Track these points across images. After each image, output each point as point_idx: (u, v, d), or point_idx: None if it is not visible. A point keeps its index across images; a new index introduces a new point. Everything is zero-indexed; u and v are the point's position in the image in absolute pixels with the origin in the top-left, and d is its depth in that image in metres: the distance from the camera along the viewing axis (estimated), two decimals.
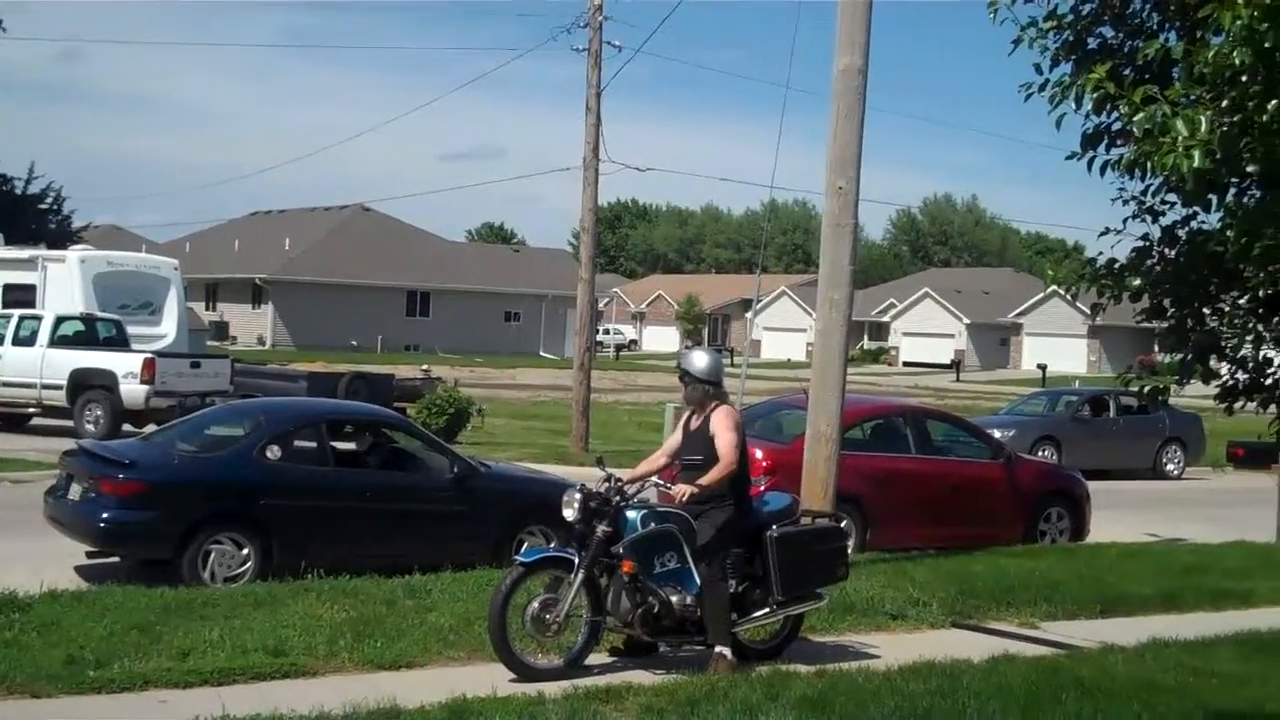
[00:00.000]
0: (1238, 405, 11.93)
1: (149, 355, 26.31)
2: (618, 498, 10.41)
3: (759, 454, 16.34)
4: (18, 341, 27.13)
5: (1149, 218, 11.59)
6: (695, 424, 10.94)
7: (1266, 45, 8.36)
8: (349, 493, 13.93)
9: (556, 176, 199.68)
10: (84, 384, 26.00)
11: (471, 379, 48.50)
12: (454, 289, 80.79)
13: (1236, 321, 11.74)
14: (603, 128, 29.41)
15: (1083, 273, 12.01)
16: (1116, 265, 11.74)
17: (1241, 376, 12.47)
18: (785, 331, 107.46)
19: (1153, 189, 11.21)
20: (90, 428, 25.23)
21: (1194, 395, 17.16)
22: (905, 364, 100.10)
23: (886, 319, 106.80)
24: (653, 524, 10.37)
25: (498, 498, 14.66)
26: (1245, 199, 10.64)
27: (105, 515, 12.88)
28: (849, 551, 15.91)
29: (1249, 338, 11.86)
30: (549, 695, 9.33)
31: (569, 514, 10.37)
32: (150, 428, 20.63)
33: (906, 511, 16.92)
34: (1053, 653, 11.72)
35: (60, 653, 9.72)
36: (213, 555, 12.98)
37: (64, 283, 31.57)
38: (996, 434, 22.46)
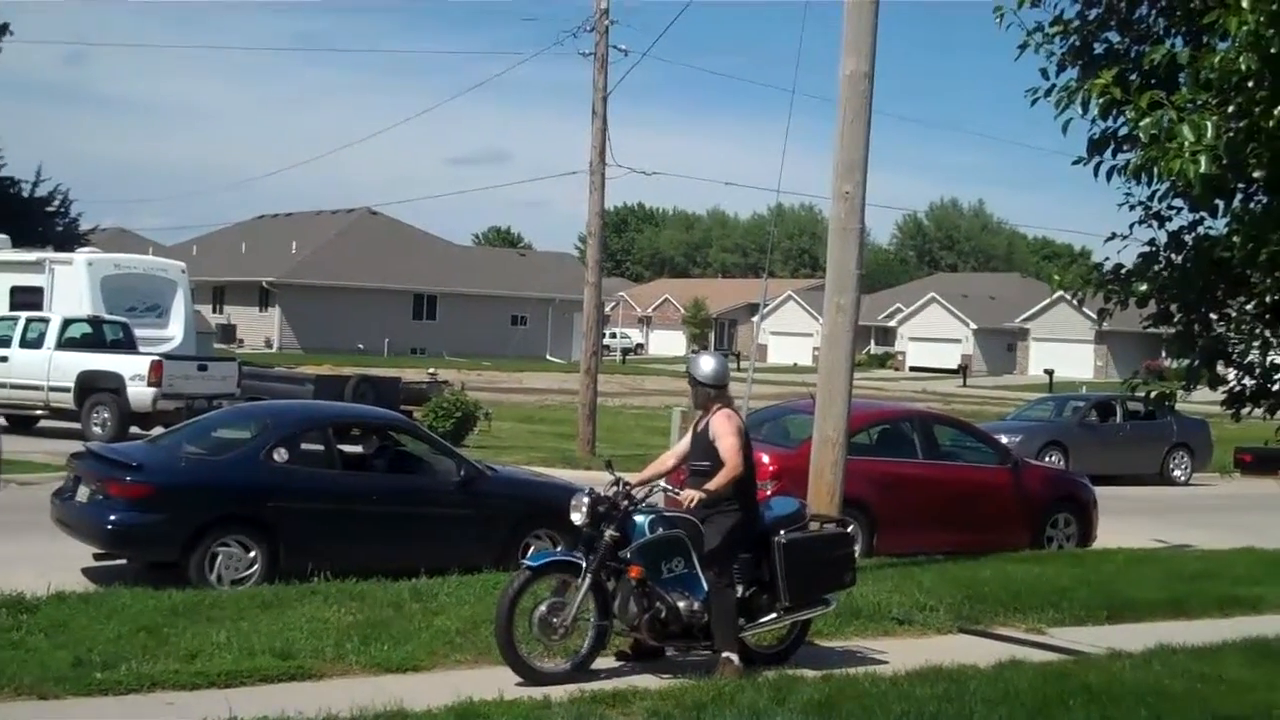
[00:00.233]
0: (1245, 411, 11.88)
1: (156, 358, 26.34)
2: (625, 502, 10.41)
3: (765, 459, 16.35)
4: (25, 344, 27.17)
5: (1155, 223, 11.52)
6: (699, 428, 10.96)
7: (1273, 50, 8.35)
8: (356, 496, 13.94)
9: (563, 180, 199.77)
10: (91, 386, 26.04)
11: (478, 383, 48.51)
12: (461, 293, 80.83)
13: (1244, 327, 11.68)
14: (609, 132, 29.47)
15: (1089, 278, 11.94)
16: (1123, 270, 11.69)
17: (1249, 382, 12.42)
18: (792, 336, 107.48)
19: (1159, 194, 11.18)
20: (98, 430, 25.26)
21: (1201, 401, 17.11)
22: (912, 369, 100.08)
23: (893, 324, 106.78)
24: (660, 529, 10.36)
25: (504, 501, 14.68)
26: (1252, 204, 10.61)
27: (113, 517, 12.90)
28: (856, 556, 16.03)
29: (1256, 343, 11.81)
30: (555, 699, 9.34)
31: (577, 518, 10.38)
32: (157, 430, 20.68)
33: (913, 517, 16.90)
34: (1060, 659, 11.71)
35: (67, 654, 9.74)
36: (220, 558, 12.98)
37: (71, 285, 31.64)
38: (1004, 439, 22.44)
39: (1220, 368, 11.90)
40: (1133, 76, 10.45)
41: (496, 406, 36.22)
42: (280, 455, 13.66)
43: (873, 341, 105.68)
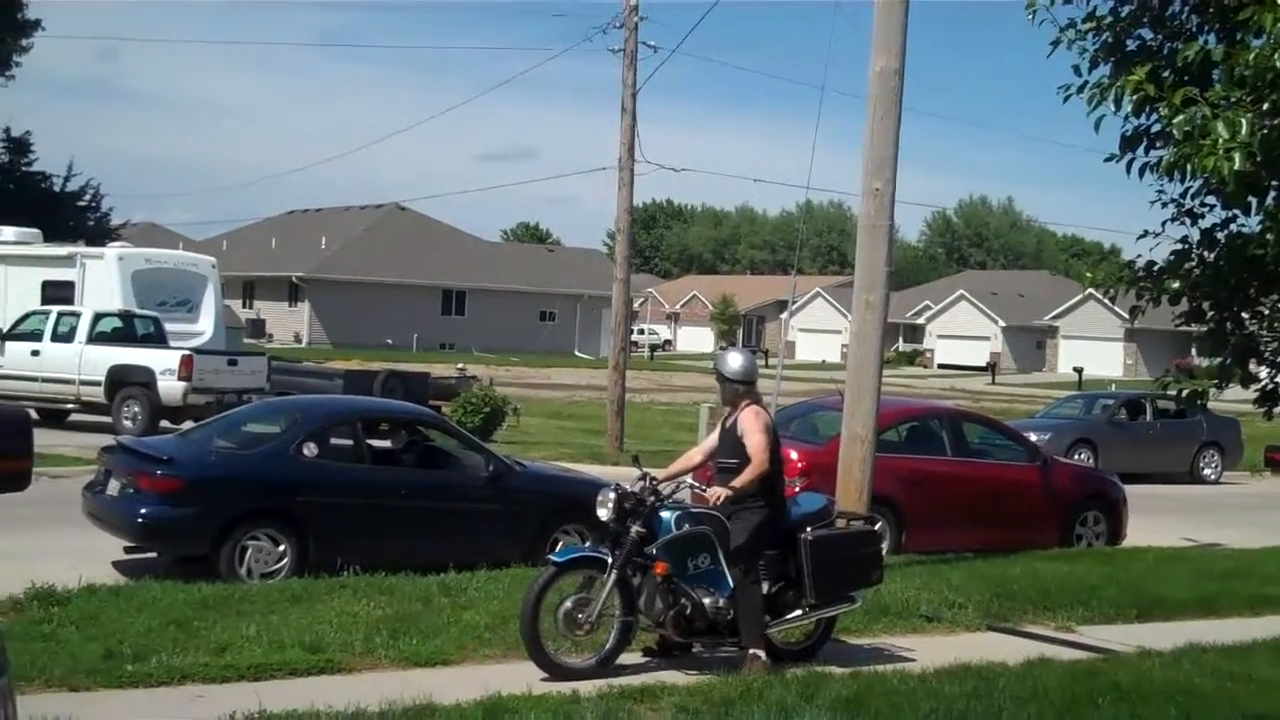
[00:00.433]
0: (1277, 410, 11.83)
1: (187, 352, 26.44)
2: (652, 498, 10.41)
3: (794, 455, 16.33)
4: (57, 338, 27.31)
5: (1188, 220, 11.48)
6: (728, 424, 10.96)
7: None
8: (385, 490, 13.97)
9: (592, 176, 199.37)
10: (122, 380, 26.15)
11: (507, 378, 48.57)
12: (489, 288, 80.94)
13: (1276, 325, 11.63)
14: (638, 128, 29.43)
15: (1121, 275, 11.91)
16: (1155, 268, 11.65)
17: None
18: (820, 333, 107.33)
19: (1192, 191, 11.14)
20: (128, 424, 25.38)
21: (1232, 400, 17.05)
22: (940, 366, 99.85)
23: (922, 321, 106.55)
24: (687, 525, 10.36)
25: (533, 497, 14.69)
26: None
27: (143, 511, 12.96)
28: (883, 554, 16.00)
29: None
30: (584, 694, 9.35)
31: (603, 513, 10.38)
32: (188, 424, 20.74)
33: (942, 514, 16.86)
34: (1089, 657, 11.68)
35: (98, 647, 9.79)
36: (249, 551, 13.03)
37: (102, 280, 31.75)
38: (1033, 437, 22.36)
39: (1252, 366, 11.85)
40: (1166, 73, 10.40)
41: (525, 402, 36.25)
42: (310, 450, 13.70)
43: (901, 339, 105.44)
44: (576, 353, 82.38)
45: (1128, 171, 10.84)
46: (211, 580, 12.37)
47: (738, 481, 10.44)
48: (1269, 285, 11.37)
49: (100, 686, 9.10)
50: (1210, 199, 11.15)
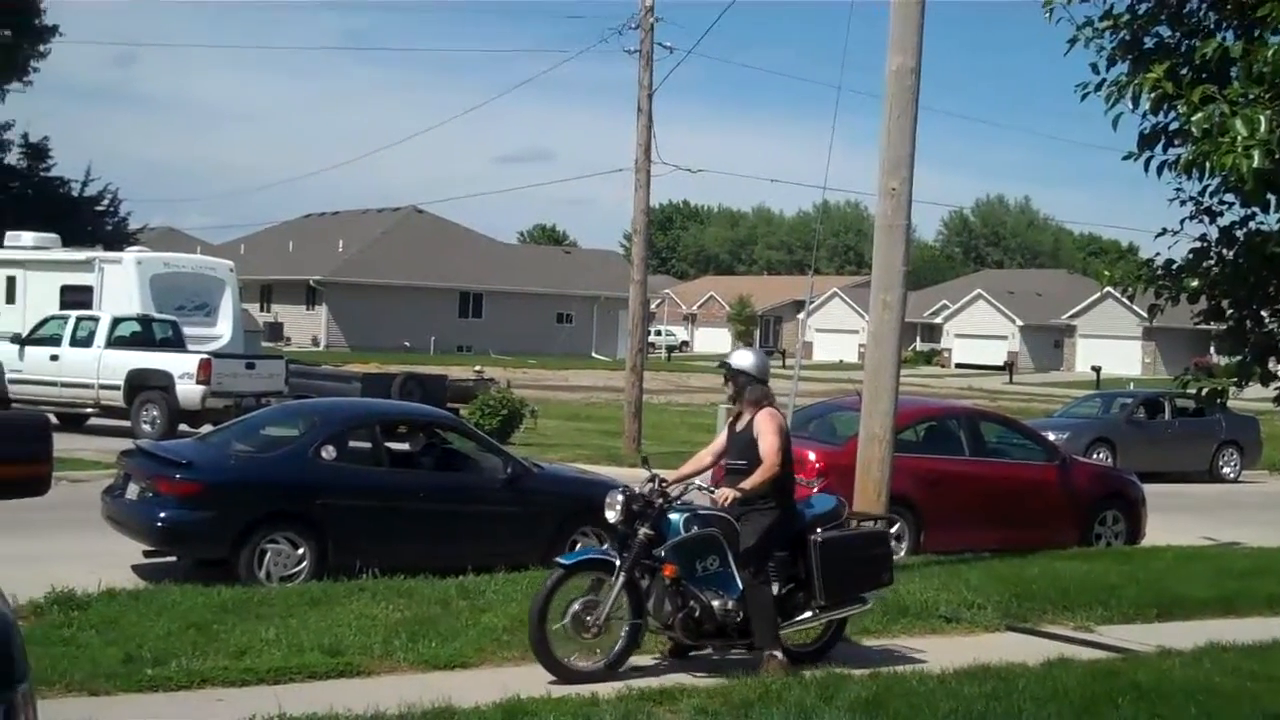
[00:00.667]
0: None
1: (205, 356, 26.47)
2: (660, 500, 10.36)
3: (812, 456, 16.34)
4: (75, 342, 27.36)
5: (1207, 218, 11.48)
6: (740, 426, 10.89)
7: None
8: (403, 493, 13.98)
9: (608, 178, 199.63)
10: (141, 384, 26.19)
11: (524, 380, 48.58)
12: (506, 290, 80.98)
13: None
14: (654, 129, 29.43)
15: (1140, 274, 11.91)
16: (1174, 266, 11.64)
17: None
18: (837, 333, 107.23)
19: (1210, 189, 11.13)
20: (147, 428, 25.43)
21: (1252, 398, 17.02)
22: (958, 366, 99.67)
23: (939, 320, 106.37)
24: (695, 527, 10.29)
25: (551, 499, 14.68)
26: None
27: (162, 515, 12.98)
28: (899, 555, 15.97)
29: None
30: (603, 696, 9.35)
31: (611, 515, 10.35)
32: (206, 428, 20.79)
33: (960, 514, 16.83)
34: (1109, 656, 11.64)
35: (118, 651, 9.81)
36: (268, 555, 13.05)
37: (121, 284, 31.84)
38: (1051, 436, 22.31)
39: (1272, 364, 11.84)
40: (1184, 71, 10.39)
41: (542, 404, 36.26)
42: (328, 453, 13.72)
43: (918, 338, 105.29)
44: (594, 354, 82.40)
45: (1146, 170, 10.84)
46: (230, 584, 12.40)
47: (748, 483, 10.40)
48: None
49: (120, 691, 9.11)
50: (1229, 197, 11.13)
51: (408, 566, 13.14)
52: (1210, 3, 11.14)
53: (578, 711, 8.95)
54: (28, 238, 35.36)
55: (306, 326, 77.43)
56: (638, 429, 29.24)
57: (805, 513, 10.94)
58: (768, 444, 10.52)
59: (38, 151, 56.28)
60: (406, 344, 72.65)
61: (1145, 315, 13.89)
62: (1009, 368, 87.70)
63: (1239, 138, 8.63)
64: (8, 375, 27.62)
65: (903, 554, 16.06)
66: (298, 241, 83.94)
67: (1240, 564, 16.81)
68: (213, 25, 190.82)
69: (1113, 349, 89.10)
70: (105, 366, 26.71)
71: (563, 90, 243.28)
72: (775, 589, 10.63)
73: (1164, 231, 11.77)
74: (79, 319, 28.13)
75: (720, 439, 11.19)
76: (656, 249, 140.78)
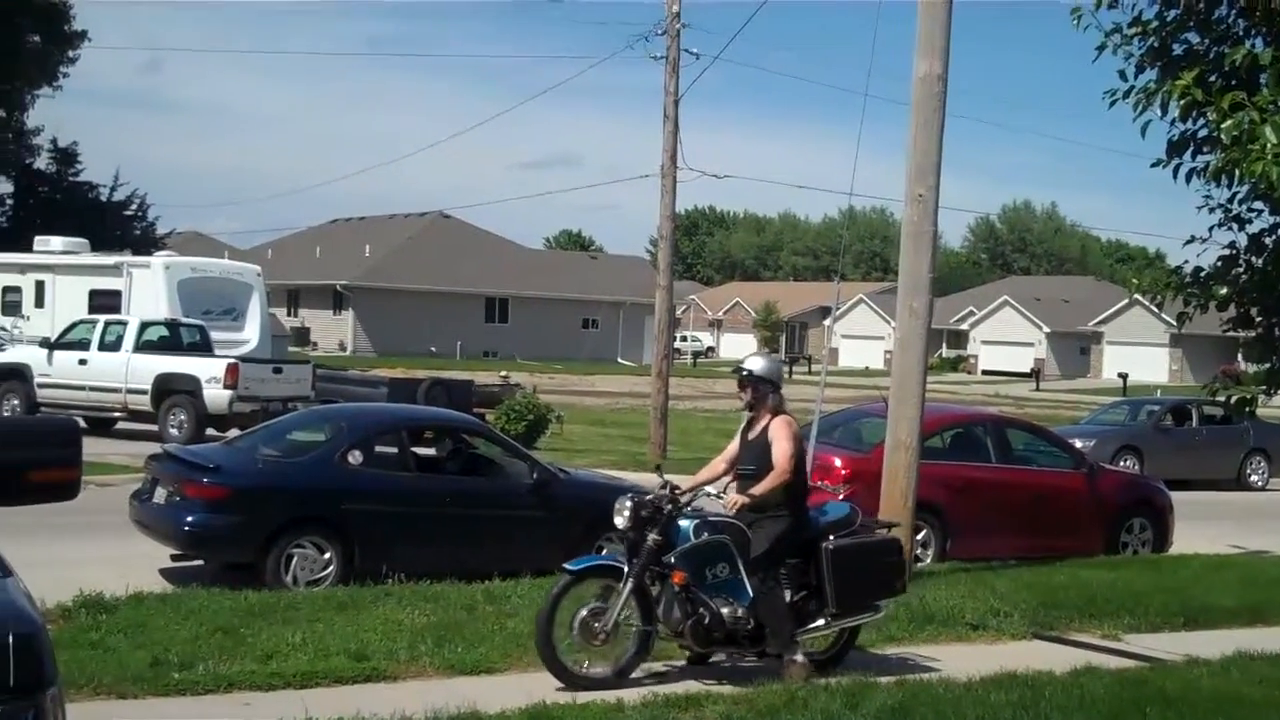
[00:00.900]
0: None
1: (232, 361, 26.59)
2: (670, 506, 10.29)
3: (838, 462, 16.34)
4: (104, 346, 27.48)
5: (1236, 226, 11.44)
6: (753, 434, 10.84)
7: None
8: (429, 498, 14.00)
9: (634, 184, 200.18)
10: (168, 389, 26.30)
11: (550, 385, 48.66)
12: (532, 296, 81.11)
13: None
14: (680, 135, 29.46)
15: (1169, 281, 11.87)
16: (1203, 274, 11.60)
17: None
18: (863, 339, 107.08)
19: (1240, 197, 11.10)
20: (174, 432, 25.52)
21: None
22: (984, 372, 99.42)
23: (965, 327, 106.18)
24: (705, 534, 10.24)
25: (576, 504, 14.67)
26: None
27: (190, 519, 13.02)
28: (925, 562, 15.94)
29: None
30: (628, 702, 9.35)
31: (619, 521, 10.27)
32: (233, 432, 20.86)
33: (987, 521, 16.79)
34: (1136, 665, 11.61)
35: (146, 654, 9.84)
36: (295, 559, 13.08)
37: (149, 288, 32.01)
38: (1078, 443, 22.25)
39: None
40: (1213, 78, 10.35)
41: (568, 409, 36.29)
42: (355, 458, 13.75)
43: (944, 345, 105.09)
44: (619, 360, 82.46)
45: (1175, 177, 10.80)
46: (257, 588, 12.43)
47: (757, 489, 10.37)
48: None
49: (148, 694, 9.15)
50: (1258, 204, 11.10)
51: (434, 571, 13.16)
52: (1239, 9, 11.10)
53: (602, 717, 8.97)
54: (57, 242, 35.60)
55: (333, 331, 77.64)
56: (663, 435, 29.26)
57: (818, 520, 10.87)
58: (780, 450, 10.48)
59: (67, 156, 56.62)
60: (433, 349, 72.78)
61: (1173, 322, 13.86)
62: (1035, 374, 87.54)
63: (1269, 145, 8.61)
64: (37, 379, 27.76)
65: (929, 561, 16.05)
66: (325, 246, 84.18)
67: (1268, 573, 16.73)
68: (240, 30, 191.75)
69: (1140, 356, 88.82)
70: (133, 371, 26.82)
71: (589, 96, 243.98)
72: (787, 596, 10.57)
73: (1193, 239, 11.74)
74: (107, 323, 28.26)
75: (733, 445, 11.12)
76: (682, 255, 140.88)
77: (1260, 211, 11.25)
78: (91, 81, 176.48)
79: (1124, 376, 75.74)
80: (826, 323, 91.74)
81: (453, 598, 12.33)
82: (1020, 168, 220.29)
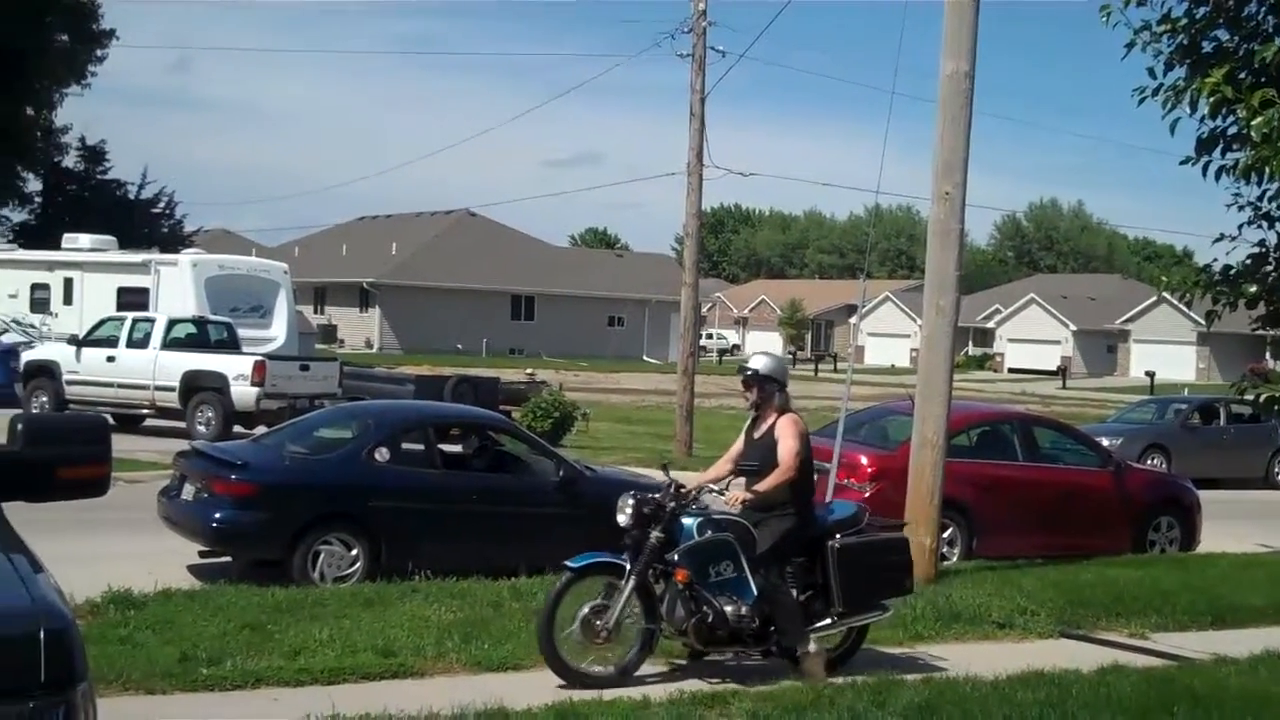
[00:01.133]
0: None
1: (259, 358, 26.63)
2: (672, 503, 10.22)
3: (864, 460, 16.32)
4: (131, 344, 27.56)
5: (1265, 223, 11.40)
6: (758, 432, 10.81)
7: None
8: (456, 495, 14.01)
9: (659, 181, 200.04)
10: (196, 386, 26.35)
11: (576, 383, 48.66)
12: (558, 293, 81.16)
13: None
14: (706, 133, 29.43)
15: (1197, 279, 11.83)
16: (1232, 271, 11.56)
17: None
18: (889, 337, 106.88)
19: (1270, 194, 11.06)
20: (202, 429, 25.58)
21: None
22: (1010, 370, 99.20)
23: (991, 325, 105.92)
24: (709, 532, 10.18)
25: (603, 501, 14.62)
26: None
27: (218, 515, 13.07)
28: (952, 560, 15.91)
29: None
30: (654, 699, 9.36)
31: (622, 519, 10.22)
32: (260, 429, 20.91)
33: (1013, 519, 16.74)
34: (1164, 664, 11.58)
35: (174, 650, 9.88)
36: (322, 556, 13.11)
37: (176, 286, 32.14)
38: (1104, 442, 22.18)
39: None
40: (1243, 75, 10.32)
41: (594, 407, 36.30)
42: (382, 455, 13.78)
43: (971, 343, 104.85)
44: (645, 358, 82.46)
45: (1204, 174, 10.76)
46: (285, 584, 12.46)
47: (761, 485, 10.33)
48: None
49: (176, 690, 9.18)
50: None
51: (460, 568, 13.18)
52: (1269, 6, 11.06)
53: (629, 714, 8.97)
54: (85, 240, 35.80)
55: (360, 329, 77.79)
56: (689, 432, 29.25)
57: (824, 519, 10.83)
58: (787, 448, 10.43)
59: (95, 154, 56.93)
60: (459, 346, 72.87)
61: (1201, 321, 13.81)
62: (1062, 373, 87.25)
63: None
64: (65, 376, 27.88)
65: (955, 559, 16.02)
66: (351, 244, 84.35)
67: None
68: (268, 29, 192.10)
69: (1167, 354, 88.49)
70: (161, 368, 26.89)
71: (614, 94, 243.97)
72: (794, 595, 10.52)
73: (1222, 237, 11.70)
74: (135, 320, 28.36)
75: (738, 444, 11.08)
76: (708, 252, 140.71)
77: None
78: (120, 80, 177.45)
79: (1151, 375, 75.41)
80: (852, 320, 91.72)
81: (479, 594, 12.35)
82: (1047, 165, 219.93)
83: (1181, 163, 11.11)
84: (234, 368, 26.17)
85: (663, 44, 30.25)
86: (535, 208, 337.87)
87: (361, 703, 8.85)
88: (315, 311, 78.36)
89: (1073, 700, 9.62)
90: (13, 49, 46.48)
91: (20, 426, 4.63)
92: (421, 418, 15.36)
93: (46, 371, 28.23)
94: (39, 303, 35.09)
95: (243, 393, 25.80)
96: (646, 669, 10.28)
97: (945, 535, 15.64)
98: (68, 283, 34.68)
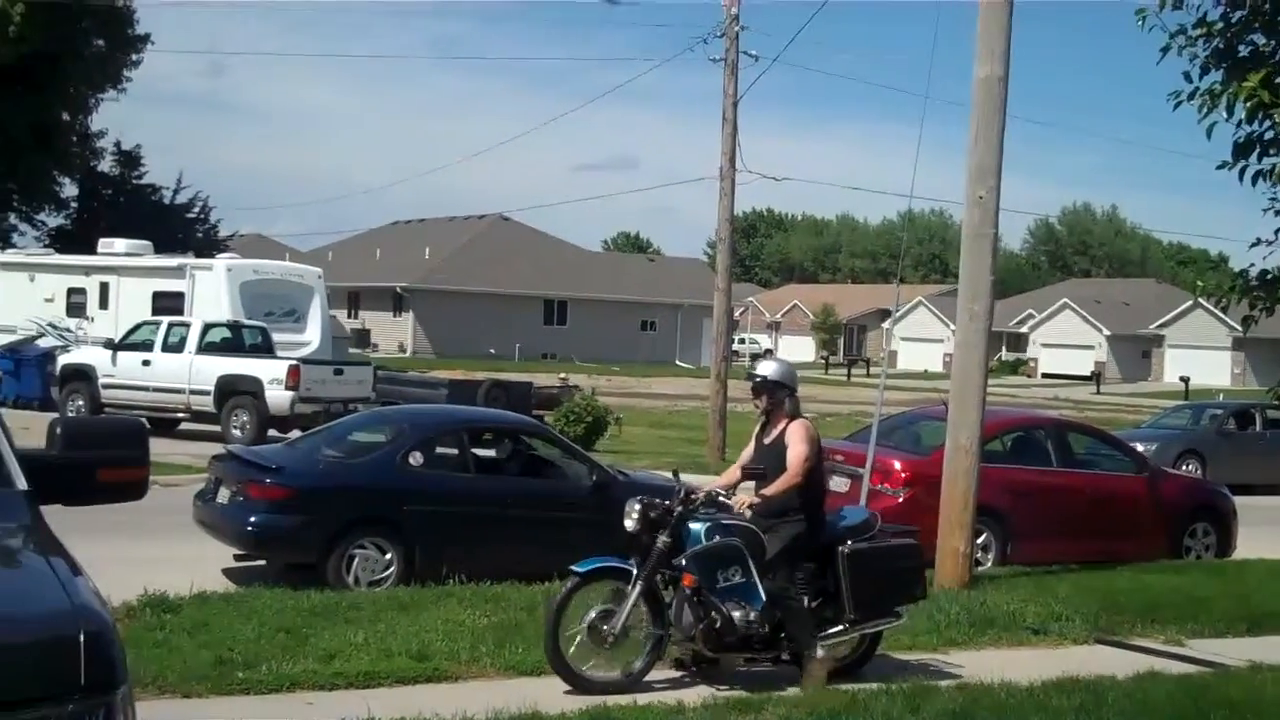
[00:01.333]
0: None
1: (294, 362, 26.75)
2: (680, 508, 10.16)
3: (897, 465, 16.29)
4: (167, 348, 27.71)
5: None
6: (769, 438, 10.78)
7: None
8: (490, 499, 14.04)
9: (692, 186, 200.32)
10: (231, 390, 26.49)
11: (608, 388, 48.66)
12: (591, 298, 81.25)
13: None
14: (739, 137, 29.41)
15: (1233, 284, 11.77)
16: (1269, 276, 11.50)
17: None
18: (922, 342, 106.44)
19: None
20: (237, 433, 25.69)
21: None
22: (1044, 375, 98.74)
23: (1025, 330, 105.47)
24: (717, 537, 10.12)
25: None
26: None
27: (253, 519, 13.13)
28: (986, 565, 15.86)
29: None
30: (688, 704, 9.37)
31: (628, 524, 10.17)
32: (295, 433, 20.98)
33: (1048, 525, 16.66)
34: (1200, 671, 11.51)
35: (210, 654, 9.92)
36: (357, 560, 13.15)
37: (211, 290, 32.30)
38: (1139, 447, 22.07)
39: None
40: (1279, 79, 10.26)
41: (627, 411, 36.31)
42: (416, 459, 13.82)
43: (1004, 348, 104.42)
44: (677, 362, 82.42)
45: (1240, 179, 10.71)
46: (319, 588, 12.50)
47: (769, 490, 10.32)
48: None
49: (212, 693, 9.23)
50: None
51: (494, 572, 13.21)
52: None
53: (662, 719, 8.97)
54: (120, 244, 35.97)
55: (393, 333, 78.02)
56: (722, 437, 29.21)
57: (835, 525, 10.77)
58: (796, 453, 10.40)
59: (130, 159, 57.25)
60: (492, 351, 72.97)
61: (1237, 326, 13.74)
62: (1096, 378, 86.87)
63: None
64: (101, 380, 28.04)
65: (989, 565, 15.97)
66: (385, 249, 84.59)
67: None
68: (302, 34, 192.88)
69: (1202, 359, 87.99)
70: (196, 372, 27.03)
71: (647, 98, 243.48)
72: (804, 602, 10.46)
73: (1259, 241, 11.64)
74: (170, 325, 28.51)
75: (748, 450, 11.04)
76: (740, 257, 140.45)
77: None
78: (155, 85, 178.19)
79: (1186, 380, 75.01)
80: (886, 325, 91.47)
81: (513, 599, 12.38)
82: (1081, 170, 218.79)
83: (1218, 167, 11.06)
84: (269, 372, 26.29)
85: (695, 48, 30.26)
86: (568, 212, 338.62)
87: (396, 707, 8.89)
88: (349, 316, 78.62)
89: (1108, 707, 9.59)
90: (48, 54, 46.81)
91: (59, 430, 4.66)
92: (455, 422, 15.39)
93: (82, 375, 28.42)
94: (75, 307, 35.30)
95: (277, 397, 25.91)
96: (655, 675, 10.24)
97: (980, 541, 15.60)
98: (103, 287, 34.89)
